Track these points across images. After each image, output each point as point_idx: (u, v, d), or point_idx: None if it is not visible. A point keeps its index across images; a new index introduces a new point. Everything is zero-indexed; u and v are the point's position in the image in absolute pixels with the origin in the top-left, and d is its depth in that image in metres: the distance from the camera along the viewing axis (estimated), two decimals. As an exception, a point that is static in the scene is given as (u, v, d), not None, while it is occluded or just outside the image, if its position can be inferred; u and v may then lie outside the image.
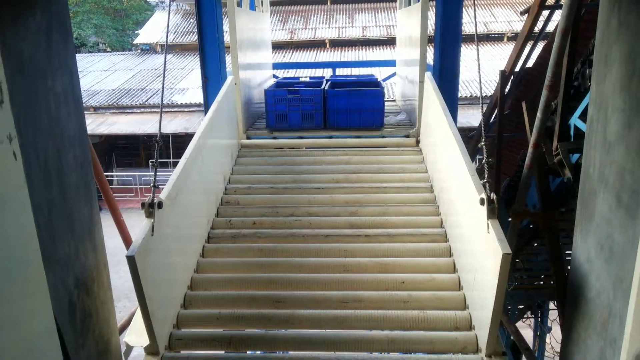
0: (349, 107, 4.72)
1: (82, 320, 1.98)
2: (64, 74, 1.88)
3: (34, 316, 1.56)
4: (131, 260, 2.11)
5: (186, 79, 20.06)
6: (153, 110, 17.82)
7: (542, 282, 5.41)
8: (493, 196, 2.26)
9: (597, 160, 1.92)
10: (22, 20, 1.59)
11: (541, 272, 5.29)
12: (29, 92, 1.66)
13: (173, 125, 15.44)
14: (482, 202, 2.27)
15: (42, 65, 1.75)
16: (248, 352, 2.51)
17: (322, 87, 4.98)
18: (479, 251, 2.41)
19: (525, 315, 6.69)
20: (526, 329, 6.96)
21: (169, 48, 23.60)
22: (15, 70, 1.50)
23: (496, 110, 4.81)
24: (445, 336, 2.47)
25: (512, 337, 5.15)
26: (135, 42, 24.20)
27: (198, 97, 17.33)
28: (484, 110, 5.59)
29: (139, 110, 18.03)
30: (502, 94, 4.36)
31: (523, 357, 6.12)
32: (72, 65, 1.95)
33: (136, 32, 25.72)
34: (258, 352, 2.59)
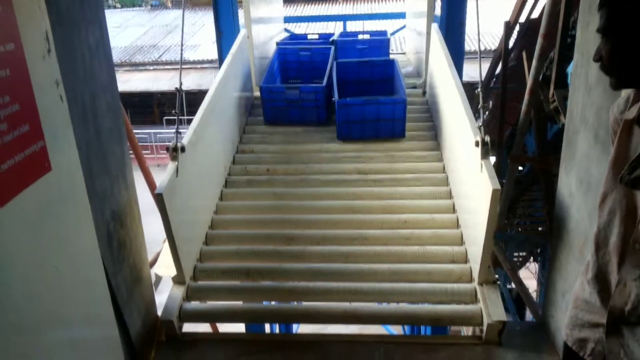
0: (363, 117, 3.88)
1: (118, 248, 2.24)
2: (95, 27, 2.07)
3: (81, 237, 1.82)
4: (159, 197, 2.36)
5: (197, 35, 20.01)
6: (166, 67, 17.92)
7: (541, 229, 5.64)
8: (487, 138, 2.45)
9: (580, 102, 2.10)
10: (60, -26, 1.78)
11: (541, 217, 5.50)
12: (67, 43, 1.86)
13: (186, 81, 15.39)
14: (476, 144, 2.47)
15: (77, 18, 1.94)
16: (263, 282, 2.77)
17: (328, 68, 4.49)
18: (474, 190, 2.63)
19: (528, 262, 6.96)
20: (531, 280, 7.24)
21: (180, 4, 23.45)
22: (55, 22, 1.69)
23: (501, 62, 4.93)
24: (442, 268, 2.72)
25: (515, 288, 5.44)
26: (145, -3, 24.03)
27: (209, 54, 17.35)
28: (491, 63, 5.70)
29: (151, 68, 18.15)
30: (506, 45, 4.47)
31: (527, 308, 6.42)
32: (102, 18, 2.14)
33: (146, -13, 25.50)
34: (273, 282, 2.84)
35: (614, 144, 1.35)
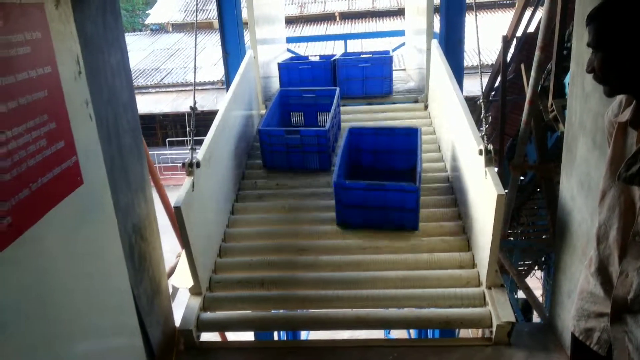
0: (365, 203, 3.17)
1: (139, 261, 2.33)
2: (116, 50, 2.20)
3: (109, 248, 1.91)
4: (177, 210, 2.46)
5: (199, 57, 20.30)
6: (168, 89, 18.15)
7: (545, 236, 5.72)
8: (490, 147, 2.56)
9: (578, 109, 2.21)
10: (86, 2, 1.91)
11: (545, 225, 5.59)
12: (93, 65, 1.97)
13: (189, 103, 15.73)
14: (480, 152, 2.57)
15: (101, 42, 2.06)
16: (277, 291, 2.85)
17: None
18: (479, 197, 2.73)
19: (533, 270, 7.03)
20: (538, 290, 7.31)
21: (180, 27, 23.78)
22: (83, 46, 1.82)
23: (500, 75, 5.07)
24: (451, 274, 2.80)
25: (523, 296, 5.49)
26: (146, 22, 24.33)
27: (211, 75, 17.59)
28: (490, 76, 5.84)
29: (154, 90, 18.35)
30: (504, 58, 4.62)
31: (534, 313, 6.46)
32: (122, 42, 2.26)
33: (146, 12, 25.86)
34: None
35: (610, 145, 1.46)
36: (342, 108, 4.62)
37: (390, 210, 3.08)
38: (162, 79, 18.77)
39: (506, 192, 4.43)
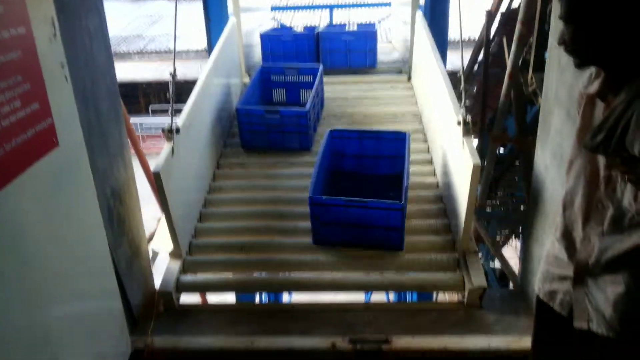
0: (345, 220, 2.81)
1: (118, 224, 2.35)
2: (94, 14, 2.17)
3: (86, 211, 1.92)
4: (157, 175, 2.47)
5: (184, 25, 19.88)
6: (151, 57, 17.82)
7: (523, 208, 5.84)
8: (468, 118, 2.60)
9: (554, 82, 2.24)
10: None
11: (522, 197, 5.70)
12: (69, 29, 1.94)
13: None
14: (458, 123, 2.61)
15: (77, 7, 2.04)
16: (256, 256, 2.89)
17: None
18: (456, 167, 2.77)
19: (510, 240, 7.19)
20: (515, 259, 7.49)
21: (163, -7, 23.21)
22: (59, 10, 1.79)
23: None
24: (427, 239, 2.87)
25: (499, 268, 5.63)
26: (128, -13, 23.70)
27: (195, 44, 17.28)
28: (473, 49, 5.85)
29: (136, 58, 18.02)
30: (487, 32, 4.63)
31: (510, 283, 6.61)
32: (101, 6, 2.23)
33: (129, -23, 25.17)
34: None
35: (579, 116, 1.50)
36: (325, 78, 4.55)
37: (372, 228, 2.75)
38: (145, 46, 18.41)
39: (485, 164, 4.50)
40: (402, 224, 2.71)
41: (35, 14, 1.57)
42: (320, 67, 4.26)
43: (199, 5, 4.83)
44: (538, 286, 1.68)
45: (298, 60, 4.89)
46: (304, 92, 4.39)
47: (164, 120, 2.68)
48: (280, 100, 4.50)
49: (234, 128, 4.11)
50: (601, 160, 1.39)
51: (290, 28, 6.32)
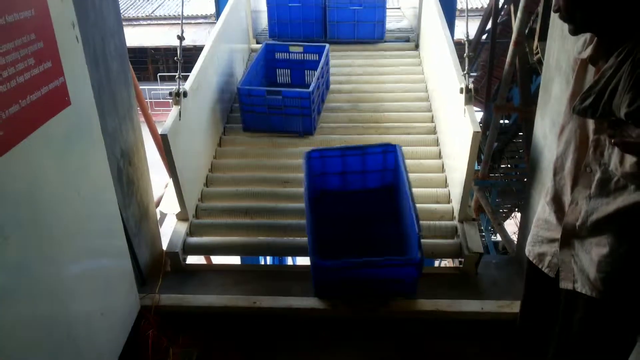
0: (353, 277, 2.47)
1: (127, 184, 2.43)
2: (103, -26, 2.21)
3: (97, 169, 1.99)
4: (164, 137, 2.54)
5: (192, -11, 19.62)
6: (160, 22, 17.68)
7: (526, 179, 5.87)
8: (471, 85, 2.63)
9: (556, 50, 2.26)
10: None
11: (525, 169, 5.72)
12: (78, -12, 1.99)
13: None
14: (461, 91, 2.64)
15: (86, -34, 2.08)
16: (260, 220, 2.97)
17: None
18: (457, 135, 2.81)
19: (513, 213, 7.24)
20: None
21: (172, -43, 22.89)
22: (67, -30, 1.82)
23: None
24: (427, 207, 2.93)
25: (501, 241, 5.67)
26: (137, -50, 23.38)
27: (204, 9, 17.13)
28: (482, 18, 5.79)
29: (145, 23, 17.89)
30: (496, 1, 4.58)
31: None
32: (109, -33, 2.27)
33: (138, -61, 24.79)
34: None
35: (572, 81, 1.54)
36: (332, 47, 4.36)
37: (384, 282, 2.44)
38: (154, 10, 18.26)
39: (488, 133, 4.52)
40: (418, 275, 2.31)
41: (45, -29, 1.61)
42: (327, 47, 4.11)
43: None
44: (528, 249, 1.74)
45: (305, 29, 4.85)
46: (309, 72, 4.25)
47: (172, 87, 2.73)
48: (284, 82, 4.39)
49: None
50: (591, 124, 1.44)
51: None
